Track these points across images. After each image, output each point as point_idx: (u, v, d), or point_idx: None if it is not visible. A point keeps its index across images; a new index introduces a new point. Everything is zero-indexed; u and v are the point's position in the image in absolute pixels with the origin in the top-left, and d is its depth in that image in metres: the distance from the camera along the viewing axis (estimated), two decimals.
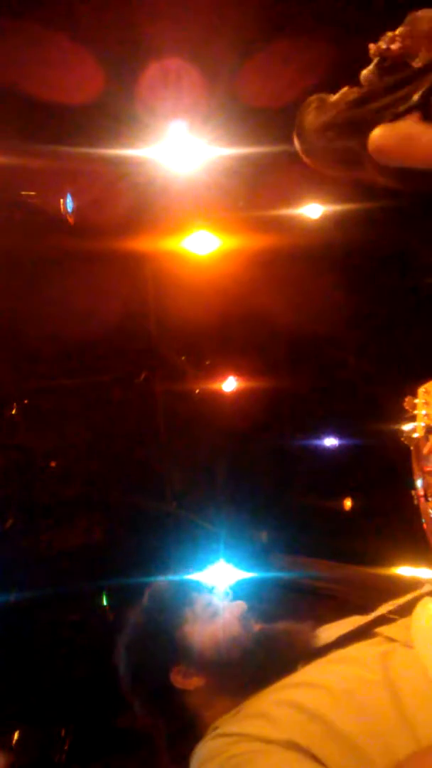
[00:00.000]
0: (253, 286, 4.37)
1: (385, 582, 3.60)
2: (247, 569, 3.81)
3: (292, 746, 1.16)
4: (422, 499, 1.50)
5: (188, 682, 1.45)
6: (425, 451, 1.53)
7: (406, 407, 1.60)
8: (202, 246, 4.30)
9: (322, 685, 1.30)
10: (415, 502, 1.53)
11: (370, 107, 1.86)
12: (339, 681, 1.30)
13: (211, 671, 1.45)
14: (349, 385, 4.90)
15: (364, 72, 1.95)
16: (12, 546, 3.91)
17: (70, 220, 3.72)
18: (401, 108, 1.81)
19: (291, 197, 4.09)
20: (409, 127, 1.79)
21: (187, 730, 1.42)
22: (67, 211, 3.70)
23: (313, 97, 2.05)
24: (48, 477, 4.28)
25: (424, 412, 1.57)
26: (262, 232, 4.23)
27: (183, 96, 3.27)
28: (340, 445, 5.02)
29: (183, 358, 4.92)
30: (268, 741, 1.18)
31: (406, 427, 1.58)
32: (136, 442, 4.65)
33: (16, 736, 3.45)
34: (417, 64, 1.93)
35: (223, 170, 3.73)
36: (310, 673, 1.36)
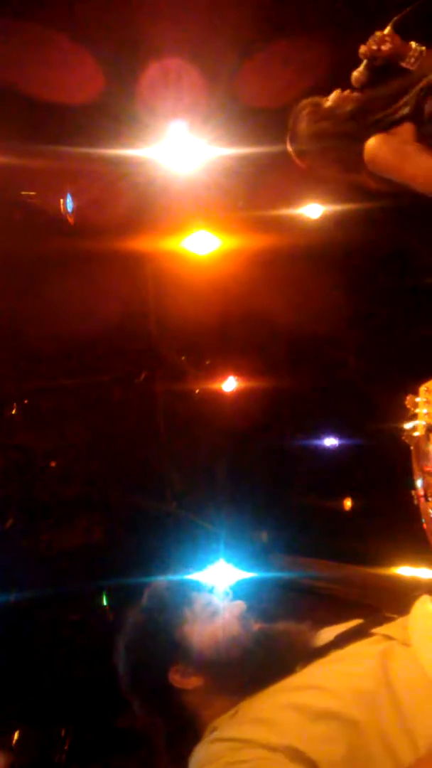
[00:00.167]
0: (253, 286, 4.37)
1: (385, 582, 3.60)
2: (247, 569, 3.81)
3: (294, 753, 1.15)
4: (422, 499, 1.50)
5: (187, 681, 1.45)
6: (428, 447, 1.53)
7: (408, 406, 1.60)
8: (202, 246, 4.31)
9: (323, 686, 1.29)
10: (415, 502, 1.53)
11: (365, 120, 1.88)
12: (339, 681, 1.30)
13: (210, 671, 1.45)
14: (349, 385, 4.90)
15: (355, 73, 1.96)
16: (12, 546, 3.91)
17: (70, 220, 3.72)
18: (395, 118, 1.82)
19: (291, 197, 4.09)
20: (404, 143, 1.80)
21: (185, 730, 1.41)
22: (67, 211, 3.71)
23: (306, 102, 2.05)
24: (48, 477, 4.28)
25: (425, 410, 1.57)
26: (262, 232, 4.23)
27: (183, 96, 3.28)
28: (340, 445, 5.02)
29: (183, 358, 4.92)
30: (270, 748, 1.17)
31: (408, 425, 1.58)
32: (136, 442, 4.65)
33: (16, 736, 3.45)
34: (406, 65, 1.94)
35: (223, 170, 3.73)
36: (309, 674, 1.36)
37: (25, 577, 3.77)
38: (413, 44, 1.92)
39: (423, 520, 1.51)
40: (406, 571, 3.53)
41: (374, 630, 1.43)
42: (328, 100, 1.98)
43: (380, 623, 1.45)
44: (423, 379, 1.65)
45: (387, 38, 1.87)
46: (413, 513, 1.53)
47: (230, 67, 3.21)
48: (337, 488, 4.99)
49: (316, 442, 5.03)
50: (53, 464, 4.32)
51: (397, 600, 1.50)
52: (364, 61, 1.92)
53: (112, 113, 3.27)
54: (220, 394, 4.89)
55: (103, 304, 3.97)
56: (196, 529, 4.46)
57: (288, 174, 3.38)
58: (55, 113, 3.19)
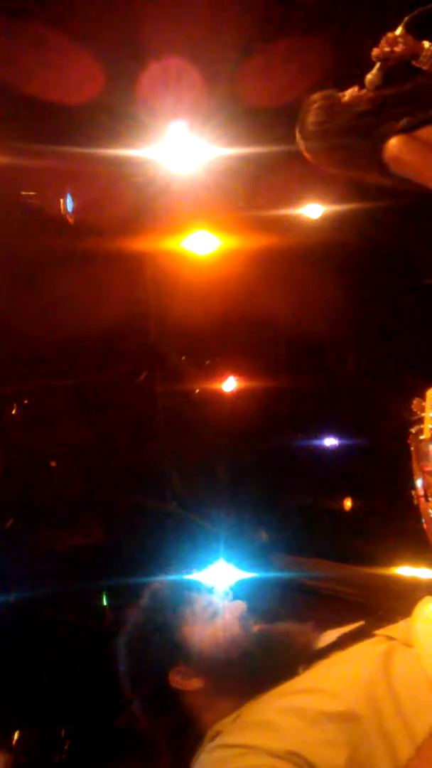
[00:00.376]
0: (253, 286, 4.37)
1: (385, 582, 3.59)
2: (247, 569, 3.81)
3: (297, 758, 1.15)
4: (422, 499, 1.50)
5: (187, 683, 1.45)
6: None
7: (414, 410, 1.60)
8: (202, 246, 4.30)
9: (324, 689, 1.29)
10: (415, 502, 1.53)
11: (381, 118, 1.87)
12: (340, 684, 1.30)
13: (210, 672, 1.44)
14: (349, 385, 4.90)
15: (369, 76, 1.95)
16: (12, 546, 3.91)
17: (70, 220, 3.72)
18: (418, 121, 1.81)
19: (291, 197, 4.09)
20: (425, 144, 1.79)
21: (186, 731, 1.41)
22: (67, 211, 3.71)
23: (318, 95, 2.03)
24: (48, 477, 4.28)
25: (431, 414, 1.57)
26: (262, 232, 4.23)
27: (183, 96, 3.28)
28: (340, 445, 5.02)
29: (183, 358, 4.92)
30: (273, 754, 1.17)
31: (414, 429, 1.59)
32: (136, 442, 4.65)
33: (16, 736, 3.45)
34: (420, 64, 1.93)
35: (223, 170, 3.73)
36: (311, 677, 1.36)
37: (25, 577, 3.77)
38: (426, 44, 1.92)
39: (423, 520, 1.51)
40: (406, 571, 3.53)
41: (376, 631, 1.43)
42: (344, 95, 1.97)
43: (381, 624, 1.45)
44: (423, 379, 1.65)
45: (400, 39, 1.86)
46: (413, 513, 1.54)
47: (230, 67, 3.21)
48: (337, 488, 4.99)
49: (316, 442, 5.03)
50: (53, 464, 4.33)
51: (397, 600, 1.50)
52: (377, 63, 1.91)
53: (112, 113, 3.27)
54: (220, 394, 4.89)
55: (103, 304, 3.97)
56: (196, 529, 4.45)
57: (288, 174, 3.39)
58: (55, 113, 3.19)
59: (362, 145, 1.87)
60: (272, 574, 4.05)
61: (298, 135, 2.02)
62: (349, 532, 4.64)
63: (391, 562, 3.68)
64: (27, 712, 3.56)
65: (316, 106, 1.98)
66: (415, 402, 1.61)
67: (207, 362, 4.97)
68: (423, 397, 1.61)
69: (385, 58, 1.90)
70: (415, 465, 1.54)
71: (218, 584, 1.62)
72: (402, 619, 1.43)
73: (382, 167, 1.86)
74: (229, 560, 3.83)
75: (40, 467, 4.27)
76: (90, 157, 3.38)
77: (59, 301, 3.81)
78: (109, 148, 3.37)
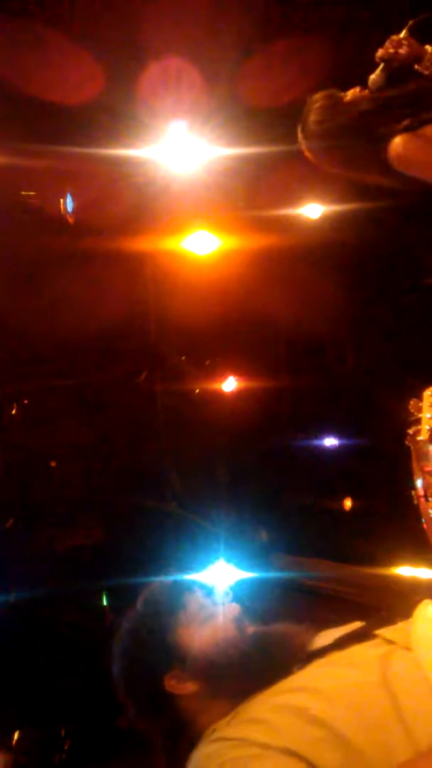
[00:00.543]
0: (253, 286, 4.37)
1: (385, 582, 3.59)
2: (247, 569, 3.81)
3: (290, 753, 1.15)
4: (422, 499, 1.50)
5: (182, 686, 1.44)
6: None
7: (411, 410, 1.60)
8: (202, 246, 4.30)
9: (320, 689, 1.29)
10: (415, 502, 1.52)
11: (383, 118, 1.87)
12: (337, 684, 1.30)
13: (206, 675, 1.44)
14: (349, 385, 4.90)
15: (372, 77, 1.95)
16: (12, 546, 3.91)
17: (70, 220, 3.72)
18: (422, 120, 1.82)
19: (291, 197, 4.09)
20: (429, 142, 1.79)
21: (182, 734, 1.41)
22: (67, 211, 3.71)
23: (321, 95, 2.04)
24: (48, 477, 4.28)
25: (429, 415, 1.57)
26: (262, 232, 4.23)
27: (183, 96, 3.28)
28: (340, 445, 5.02)
29: (183, 358, 4.92)
30: (267, 747, 1.17)
31: (411, 429, 1.58)
32: (136, 442, 4.65)
33: (16, 736, 3.45)
34: (422, 68, 1.93)
35: (223, 170, 3.73)
36: (308, 676, 1.36)
37: (25, 577, 3.77)
38: (429, 48, 1.93)
39: (423, 520, 1.50)
40: (406, 571, 3.53)
41: (375, 632, 1.43)
42: (346, 95, 1.97)
43: (380, 625, 1.45)
44: (423, 379, 1.65)
45: (404, 41, 1.86)
46: (413, 513, 1.53)
47: (230, 67, 3.21)
48: (337, 488, 4.99)
49: (316, 442, 5.03)
50: (53, 464, 4.32)
51: (397, 600, 1.50)
52: (381, 65, 1.92)
53: (112, 113, 3.27)
54: (220, 394, 4.88)
55: (103, 304, 3.97)
56: (196, 529, 4.45)
57: (288, 174, 3.39)
58: (55, 113, 3.19)
59: (363, 144, 1.87)
60: (272, 574, 4.04)
61: (300, 134, 2.02)
62: (349, 532, 4.63)
63: (391, 562, 3.68)
64: (27, 712, 3.55)
65: (318, 105, 1.98)
66: (412, 403, 1.60)
67: (207, 362, 4.97)
68: (420, 398, 1.61)
69: (388, 60, 1.91)
70: (415, 465, 1.54)
71: (218, 584, 1.62)
72: (402, 620, 1.43)
73: (384, 167, 1.86)
74: (229, 560, 3.83)
75: (40, 467, 4.27)
76: (90, 157, 3.38)
77: (59, 301, 3.81)
78: (109, 148, 3.37)
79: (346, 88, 2.02)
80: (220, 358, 4.96)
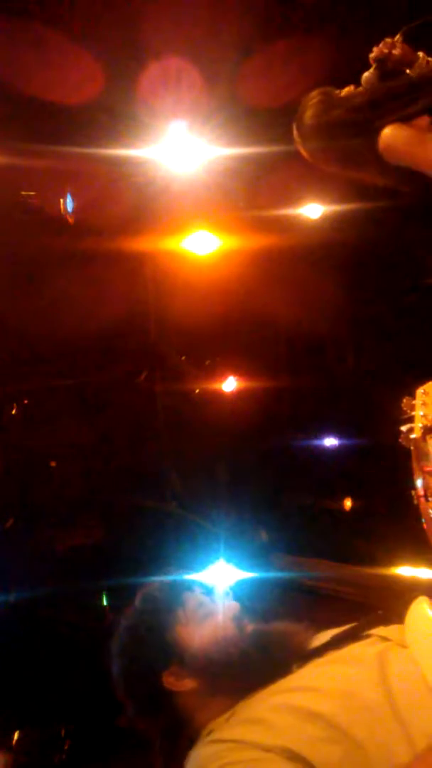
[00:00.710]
0: (253, 286, 4.37)
1: (385, 582, 3.60)
2: (247, 569, 3.81)
3: (290, 754, 1.15)
4: (422, 499, 1.50)
5: (180, 683, 1.45)
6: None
7: (404, 408, 1.60)
8: (202, 246, 4.30)
9: (318, 687, 1.29)
10: (415, 502, 1.52)
11: (377, 111, 1.87)
12: (335, 683, 1.30)
13: (204, 673, 1.44)
14: (349, 385, 4.90)
15: (366, 74, 1.96)
16: (12, 546, 3.91)
17: (70, 220, 3.72)
18: (410, 111, 1.82)
19: (291, 197, 4.09)
20: (420, 131, 1.79)
21: (180, 732, 1.41)
22: (67, 211, 3.71)
23: (317, 92, 2.04)
24: (48, 477, 4.28)
25: (422, 413, 1.57)
26: (262, 232, 4.23)
27: (183, 96, 3.28)
28: (340, 445, 5.02)
29: (183, 358, 4.92)
30: (266, 748, 1.17)
31: (405, 428, 1.58)
32: (136, 442, 4.65)
33: (16, 736, 3.45)
34: (413, 73, 1.94)
35: (223, 170, 3.73)
36: (306, 675, 1.36)
37: (25, 577, 3.77)
38: (421, 54, 1.94)
39: (423, 520, 1.50)
40: (406, 571, 3.53)
41: (372, 631, 1.43)
42: (340, 92, 1.98)
43: (377, 624, 1.45)
44: (422, 379, 1.65)
45: (398, 43, 1.87)
46: (413, 513, 1.53)
47: (230, 67, 3.21)
48: (337, 488, 4.99)
49: (316, 442, 5.03)
50: (53, 464, 4.32)
51: (396, 600, 1.50)
52: (375, 65, 1.93)
53: (112, 113, 3.27)
54: (220, 394, 4.88)
55: (103, 304, 3.97)
56: (196, 529, 4.45)
57: (288, 174, 3.39)
58: (55, 113, 3.19)
59: (358, 139, 1.87)
60: (272, 574, 4.05)
61: (295, 132, 2.02)
62: (349, 532, 4.64)
63: (391, 562, 3.68)
64: (27, 712, 3.56)
65: (312, 102, 1.98)
66: (405, 401, 1.60)
67: (207, 362, 4.97)
68: (413, 396, 1.61)
69: (382, 60, 1.91)
70: (414, 465, 1.54)
71: (218, 584, 1.62)
72: (399, 619, 1.43)
73: (380, 164, 1.86)
74: (229, 560, 3.83)
75: (40, 467, 4.27)
76: (90, 157, 3.38)
77: (59, 301, 3.81)
78: (109, 148, 3.37)
79: (342, 88, 2.03)
80: (220, 358, 4.96)
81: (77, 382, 4.34)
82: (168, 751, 1.43)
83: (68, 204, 3.71)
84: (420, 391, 1.62)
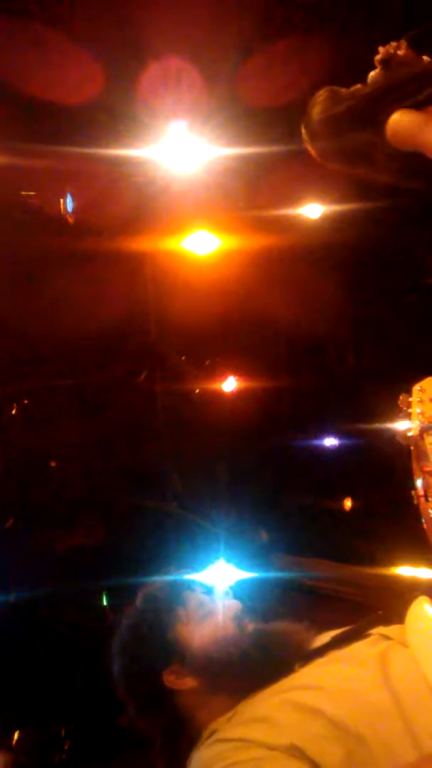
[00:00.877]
0: (253, 286, 4.37)
1: (385, 582, 3.59)
2: (247, 569, 3.81)
3: (296, 752, 1.15)
4: (422, 499, 1.50)
5: (181, 682, 1.45)
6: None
7: (401, 405, 1.60)
8: (202, 246, 4.30)
9: (321, 686, 1.29)
10: (415, 502, 1.52)
11: (383, 101, 1.87)
12: (338, 681, 1.30)
13: (205, 672, 1.44)
14: (349, 385, 4.90)
15: (372, 73, 1.96)
16: (12, 546, 3.91)
17: (70, 220, 3.72)
18: (416, 100, 1.81)
19: (291, 197, 4.09)
20: (428, 115, 1.79)
21: (182, 731, 1.41)
22: (67, 211, 3.70)
23: (323, 90, 2.05)
24: (48, 477, 4.28)
25: (419, 410, 1.57)
26: (262, 232, 4.22)
27: (183, 96, 3.27)
28: (340, 445, 5.02)
29: (183, 358, 4.92)
30: (271, 747, 1.17)
31: (401, 425, 1.58)
32: (136, 442, 4.65)
33: (16, 736, 3.45)
34: (417, 68, 1.93)
35: (223, 170, 3.73)
36: (308, 674, 1.36)
37: (25, 577, 3.76)
38: (426, 58, 1.94)
39: (423, 520, 1.50)
40: (406, 571, 3.53)
41: (373, 630, 1.43)
42: (347, 89, 1.98)
43: (379, 624, 1.45)
44: (422, 379, 1.65)
45: (402, 45, 1.87)
46: (413, 513, 1.53)
47: (230, 67, 3.20)
48: (337, 488, 4.99)
49: (316, 442, 5.03)
50: (53, 464, 4.32)
51: (397, 600, 1.50)
52: (379, 66, 1.93)
53: (112, 113, 3.27)
54: (220, 394, 4.88)
55: (102, 304, 3.97)
56: (196, 529, 4.45)
57: (288, 174, 3.39)
58: (55, 113, 3.19)
59: (366, 131, 1.86)
60: (272, 574, 4.04)
61: (303, 131, 2.02)
62: (349, 532, 4.63)
63: (391, 562, 3.68)
64: (27, 712, 3.55)
65: (320, 99, 1.98)
66: (401, 397, 1.60)
67: (207, 362, 4.97)
68: (409, 393, 1.60)
69: (387, 60, 1.91)
70: (414, 465, 1.54)
71: (218, 584, 1.62)
72: (399, 619, 1.43)
73: (388, 158, 1.85)
74: (229, 560, 3.83)
75: (40, 467, 4.26)
76: (90, 157, 3.38)
77: (59, 301, 3.81)
78: (109, 148, 3.37)
79: (346, 88, 2.03)
80: (220, 358, 4.95)
81: (77, 382, 4.34)
82: (169, 750, 1.43)
83: (68, 204, 3.71)
84: (417, 388, 1.61)
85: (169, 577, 1.70)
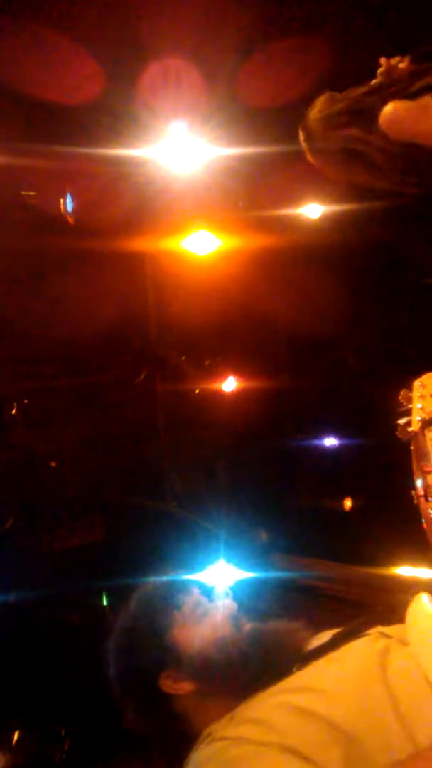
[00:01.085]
0: (253, 286, 4.37)
1: (385, 582, 3.59)
2: (247, 569, 3.81)
3: (289, 750, 1.15)
4: (422, 499, 1.49)
5: (178, 686, 1.44)
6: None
7: (402, 401, 1.59)
8: (202, 246, 4.30)
9: (320, 688, 1.29)
10: (415, 502, 1.52)
11: (381, 95, 1.87)
12: (337, 683, 1.30)
13: (201, 674, 1.43)
14: (349, 385, 4.90)
15: (373, 82, 1.97)
16: (12, 546, 3.91)
17: (70, 220, 3.72)
18: (413, 89, 1.81)
19: (291, 197, 4.09)
20: (423, 101, 1.79)
21: (180, 735, 1.41)
22: (67, 211, 3.70)
23: (323, 95, 2.05)
24: (48, 477, 4.28)
25: (419, 405, 1.56)
26: (262, 232, 4.23)
27: (183, 96, 3.27)
28: (340, 445, 5.02)
29: (183, 358, 4.92)
30: (266, 745, 1.17)
31: (402, 420, 1.57)
32: (136, 442, 4.65)
33: (16, 736, 3.45)
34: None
35: (223, 170, 3.73)
36: (307, 676, 1.36)
37: (25, 577, 3.76)
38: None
39: (423, 520, 1.50)
40: (406, 571, 3.52)
41: (372, 628, 1.43)
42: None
43: (378, 623, 1.45)
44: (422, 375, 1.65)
45: (405, 60, 1.88)
46: (413, 513, 1.53)
47: (230, 67, 3.20)
48: (337, 488, 4.99)
49: (317, 442, 5.03)
50: (53, 464, 4.32)
51: (396, 600, 1.50)
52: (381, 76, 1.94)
53: (112, 113, 3.27)
54: (220, 394, 4.88)
55: (102, 304, 3.97)
56: (196, 529, 4.45)
57: (288, 174, 3.39)
58: (55, 113, 3.19)
59: (362, 127, 1.86)
60: (272, 574, 4.04)
61: (300, 131, 2.02)
62: (349, 532, 4.63)
63: (391, 562, 3.68)
64: (27, 712, 3.55)
65: (319, 102, 1.99)
66: (402, 393, 1.60)
67: (207, 362, 4.97)
68: (410, 388, 1.60)
69: (388, 72, 1.92)
70: (414, 465, 1.53)
71: (218, 584, 1.61)
72: (399, 618, 1.43)
73: (384, 154, 1.85)
74: (229, 560, 3.83)
75: (40, 467, 4.26)
76: (90, 157, 3.38)
77: (59, 301, 3.81)
78: (109, 148, 3.37)
79: (346, 89, 2.03)
80: (220, 358, 4.95)
81: (77, 382, 4.34)
82: (169, 752, 1.42)
83: (68, 204, 3.71)
84: (417, 383, 1.61)
85: (164, 579, 1.70)
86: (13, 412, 4.13)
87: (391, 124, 1.79)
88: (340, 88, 2.06)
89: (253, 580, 3.77)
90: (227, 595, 1.57)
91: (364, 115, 1.85)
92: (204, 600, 1.55)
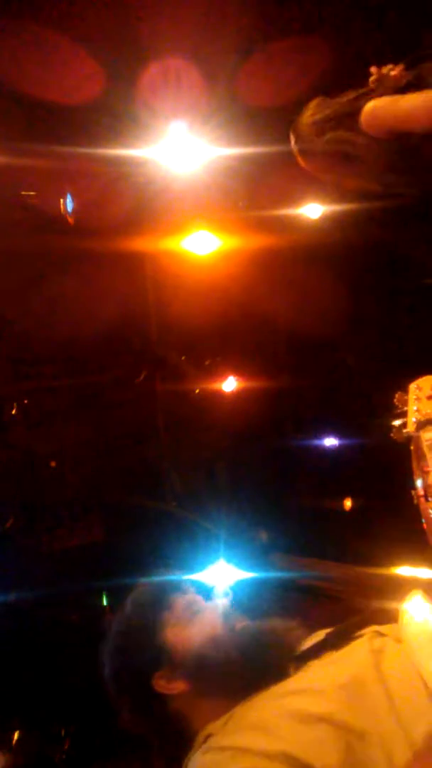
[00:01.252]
0: (253, 286, 4.37)
1: (385, 582, 3.59)
2: (247, 569, 3.81)
3: (290, 760, 1.14)
4: (422, 499, 1.50)
5: (172, 686, 1.43)
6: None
7: (397, 403, 1.60)
8: (202, 246, 4.30)
9: (318, 690, 1.29)
10: (415, 502, 1.52)
11: (369, 98, 1.90)
12: (334, 682, 1.30)
13: (196, 674, 1.43)
14: (349, 385, 4.90)
15: (362, 89, 1.99)
16: (12, 546, 3.91)
17: (70, 220, 3.72)
18: (397, 86, 1.84)
19: (291, 197, 4.09)
20: (395, 96, 1.83)
21: (177, 735, 1.40)
22: (67, 211, 3.70)
23: (315, 99, 2.07)
24: (48, 477, 4.28)
25: (415, 407, 1.57)
26: (262, 232, 4.23)
27: (183, 96, 3.27)
28: (340, 445, 5.02)
29: (183, 358, 4.92)
30: (266, 755, 1.16)
31: (396, 422, 1.58)
32: (136, 442, 4.65)
33: (16, 736, 3.45)
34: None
35: (223, 170, 3.73)
36: (304, 678, 1.35)
37: (25, 577, 3.76)
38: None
39: (423, 520, 1.50)
40: (406, 571, 3.53)
41: (368, 627, 1.43)
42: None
43: (373, 621, 1.45)
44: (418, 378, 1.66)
45: (396, 68, 1.90)
46: (413, 513, 1.53)
47: (230, 67, 3.20)
48: (337, 488, 4.99)
49: (317, 442, 5.03)
50: (53, 464, 4.32)
51: (396, 600, 1.50)
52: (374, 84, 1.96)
53: (112, 113, 3.27)
54: (220, 394, 4.88)
55: (102, 304, 3.97)
56: (196, 529, 4.45)
57: (288, 174, 3.38)
58: (55, 113, 3.19)
59: (344, 127, 1.89)
60: (272, 574, 4.04)
61: (292, 139, 2.04)
62: (349, 532, 4.63)
63: (391, 562, 3.68)
64: (27, 712, 3.55)
65: (311, 106, 2.01)
66: (397, 395, 1.61)
67: (207, 362, 4.97)
68: (406, 391, 1.61)
69: (380, 80, 1.95)
70: (414, 465, 1.54)
71: (218, 584, 1.61)
72: (395, 617, 1.43)
73: (372, 154, 1.87)
74: (229, 560, 3.83)
75: (40, 467, 4.27)
76: (90, 157, 3.38)
77: (59, 301, 3.81)
78: (109, 148, 3.37)
79: (342, 91, 2.04)
80: (220, 358, 4.96)
81: (77, 382, 4.34)
82: (167, 753, 1.42)
83: (68, 204, 3.71)
84: (413, 386, 1.62)
85: (158, 578, 1.69)
86: (13, 412, 4.13)
87: (369, 121, 1.82)
88: (339, 88, 2.07)
89: (253, 580, 3.77)
90: (227, 595, 1.56)
91: (352, 117, 1.88)
92: (198, 599, 1.54)
